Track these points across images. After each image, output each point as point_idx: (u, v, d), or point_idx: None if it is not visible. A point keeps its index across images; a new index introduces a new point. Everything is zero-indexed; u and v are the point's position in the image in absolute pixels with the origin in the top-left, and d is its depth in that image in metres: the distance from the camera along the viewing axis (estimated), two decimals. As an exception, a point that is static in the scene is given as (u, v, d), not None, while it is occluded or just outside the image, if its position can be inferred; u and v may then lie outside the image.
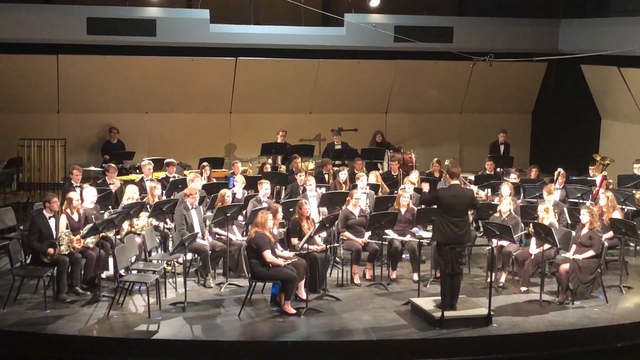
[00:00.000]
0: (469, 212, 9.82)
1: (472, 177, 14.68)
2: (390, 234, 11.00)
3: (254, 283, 9.66)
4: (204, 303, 9.82)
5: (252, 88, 16.87)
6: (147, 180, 12.65)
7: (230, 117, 17.33)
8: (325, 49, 16.83)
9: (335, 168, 14.39)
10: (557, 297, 10.09)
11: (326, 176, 14.20)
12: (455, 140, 18.57)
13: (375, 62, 17.24)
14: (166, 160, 13.74)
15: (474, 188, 12.66)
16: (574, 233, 10.51)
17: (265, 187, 11.66)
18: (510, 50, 16.59)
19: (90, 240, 10.07)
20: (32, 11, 15.21)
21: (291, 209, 11.05)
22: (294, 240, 10.35)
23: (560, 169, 13.08)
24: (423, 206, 10.88)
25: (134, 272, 9.98)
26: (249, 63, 16.58)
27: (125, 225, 10.80)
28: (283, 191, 13.38)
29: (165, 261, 10.33)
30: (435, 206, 9.51)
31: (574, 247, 10.23)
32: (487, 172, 14.45)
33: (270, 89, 17.02)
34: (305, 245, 9.84)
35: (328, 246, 10.45)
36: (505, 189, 11.59)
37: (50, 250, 9.64)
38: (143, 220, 10.96)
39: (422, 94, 17.90)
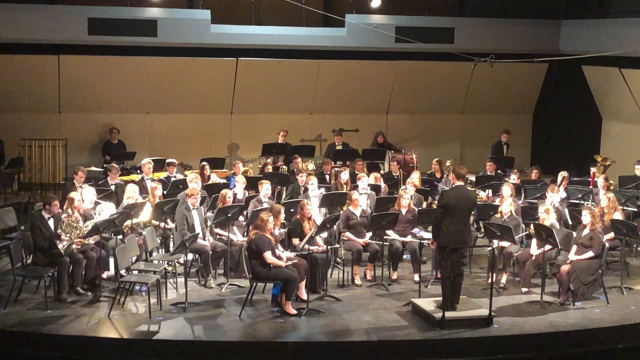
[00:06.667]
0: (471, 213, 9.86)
1: (472, 178, 14.67)
2: (391, 234, 10.99)
3: (254, 283, 9.65)
4: (204, 303, 9.81)
5: (253, 88, 16.87)
6: (147, 179, 12.64)
7: (231, 117, 17.33)
8: (326, 50, 16.84)
9: (337, 169, 14.39)
10: (558, 298, 10.08)
11: (327, 177, 14.19)
12: (456, 141, 18.56)
13: (376, 63, 17.24)
14: (167, 160, 13.74)
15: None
16: (574, 234, 10.51)
17: (265, 188, 11.65)
18: (511, 51, 16.59)
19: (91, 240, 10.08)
20: (34, 11, 15.24)
21: (292, 210, 11.05)
22: (295, 241, 10.33)
23: (564, 173, 13.07)
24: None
25: (135, 272, 9.98)
26: (250, 63, 16.58)
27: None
28: (284, 192, 13.37)
29: (166, 261, 10.34)
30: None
31: (574, 248, 10.22)
32: (488, 173, 14.43)
33: (271, 89, 17.02)
34: (306, 246, 9.84)
35: (329, 247, 10.45)
36: (506, 189, 11.57)
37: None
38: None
39: (423, 94, 17.89)
